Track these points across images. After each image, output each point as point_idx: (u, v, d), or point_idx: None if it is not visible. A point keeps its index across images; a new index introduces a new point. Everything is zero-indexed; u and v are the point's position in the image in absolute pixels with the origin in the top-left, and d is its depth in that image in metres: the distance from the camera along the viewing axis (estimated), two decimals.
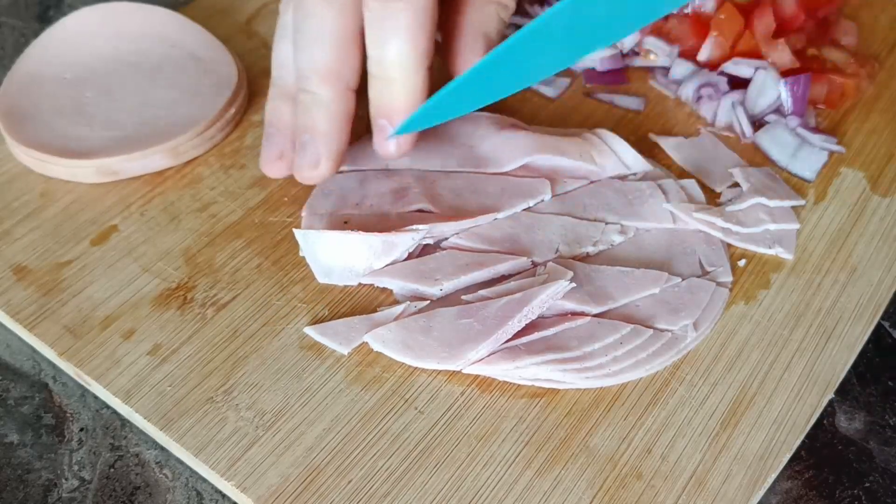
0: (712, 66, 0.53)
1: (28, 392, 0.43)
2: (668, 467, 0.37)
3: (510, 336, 0.40)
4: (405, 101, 0.42)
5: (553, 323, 0.40)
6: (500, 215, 0.45)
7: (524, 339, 0.40)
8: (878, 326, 0.44)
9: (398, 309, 0.42)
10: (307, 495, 0.36)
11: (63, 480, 0.40)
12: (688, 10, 0.54)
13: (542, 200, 0.46)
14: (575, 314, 0.41)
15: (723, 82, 0.52)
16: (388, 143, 0.44)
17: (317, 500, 0.36)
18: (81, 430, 0.41)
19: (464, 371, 0.40)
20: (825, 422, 0.41)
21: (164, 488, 0.39)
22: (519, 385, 0.40)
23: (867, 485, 0.39)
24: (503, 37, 0.46)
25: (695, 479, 0.37)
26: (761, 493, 0.37)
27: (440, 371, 0.40)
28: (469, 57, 0.47)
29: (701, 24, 0.53)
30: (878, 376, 0.43)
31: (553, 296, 0.40)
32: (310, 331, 0.42)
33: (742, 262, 0.45)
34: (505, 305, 0.40)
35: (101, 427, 0.41)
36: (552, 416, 0.39)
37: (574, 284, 0.40)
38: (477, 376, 0.40)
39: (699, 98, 0.52)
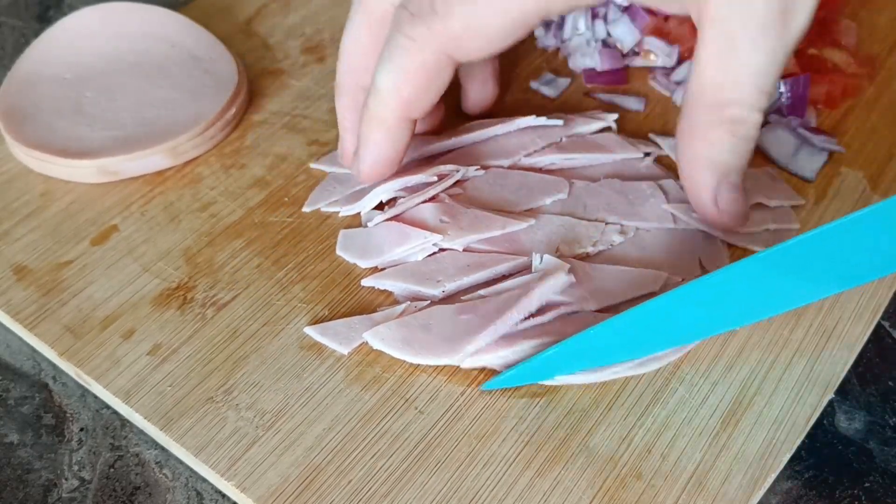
0: None
1: (28, 392, 0.43)
2: (669, 467, 0.37)
3: (508, 328, 0.40)
4: None
5: (550, 309, 0.41)
6: (520, 226, 0.45)
7: (522, 326, 0.40)
8: (878, 326, 0.44)
9: (398, 309, 0.42)
10: (307, 495, 0.36)
11: (63, 480, 0.40)
12: None
13: (558, 199, 0.46)
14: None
15: None
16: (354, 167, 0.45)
17: (317, 500, 0.36)
18: (81, 430, 0.41)
19: (463, 366, 0.40)
20: (825, 422, 0.41)
21: (164, 488, 0.39)
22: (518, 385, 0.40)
23: (867, 485, 0.39)
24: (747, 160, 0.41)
25: (695, 479, 0.37)
26: (761, 492, 0.37)
27: (440, 371, 0.40)
28: (701, 199, 0.41)
29: None
30: (878, 376, 0.43)
31: (552, 289, 0.40)
32: (310, 331, 0.42)
33: None
34: (504, 299, 0.40)
35: (101, 427, 0.41)
36: (552, 416, 0.39)
37: (573, 278, 0.40)
38: (477, 375, 0.40)
39: None
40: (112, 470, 0.40)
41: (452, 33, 0.40)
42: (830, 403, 0.41)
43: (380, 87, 0.42)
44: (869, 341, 0.43)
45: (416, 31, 0.40)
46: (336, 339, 0.41)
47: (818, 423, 0.41)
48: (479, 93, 0.50)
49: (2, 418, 0.42)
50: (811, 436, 0.40)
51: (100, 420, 0.41)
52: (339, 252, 0.45)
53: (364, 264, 0.44)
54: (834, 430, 0.41)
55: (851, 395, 0.42)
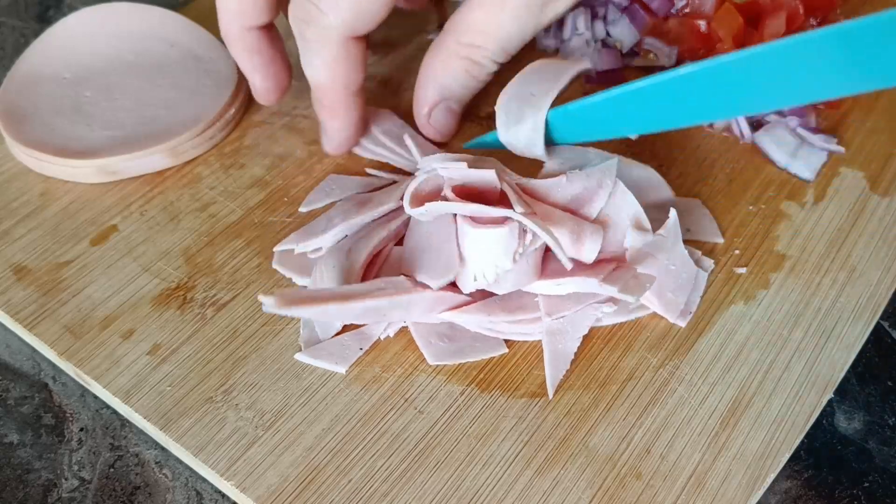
0: None
1: (28, 392, 0.43)
2: (668, 467, 0.37)
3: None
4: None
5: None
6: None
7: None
8: (878, 326, 0.44)
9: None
10: (307, 495, 0.36)
11: (63, 480, 0.40)
12: (687, 11, 0.54)
13: None
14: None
15: None
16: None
17: (316, 500, 0.36)
18: (81, 429, 0.41)
19: (440, 316, 0.41)
20: (824, 422, 0.41)
21: (164, 488, 0.39)
22: (518, 385, 0.40)
23: (866, 485, 0.39)
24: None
25: (694, 479, 0.37)
26: (761, 492, 0.37)
27: (440, 371, 0.40)
28: (418, 109, 0.48)
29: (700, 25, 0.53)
30: (878, 376, 0.43)
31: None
32: (302, 356, 0.41)
33: (742, 270, 0.45)
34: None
35: (100, 427, 0.41)
36: (552, 416, 0.39)
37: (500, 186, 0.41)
38: (476, 375, 0.40)
39: None
40: (112, 470, 0.40)
41: (347, 22, 0.43)
42: (830, 403, 0.41)
43: (317, 80, 0.46)
44: (868, 341, 0.43)
45: (316, 34, 0.44)
46: (331, 359, 0.41)
47: (817, 423, 0.41)
48: None
49: (2, 418, 0.42)
50: (810, 436, 0.40)
51: (100, 420, 0.41)
52: (275, 266, 0.45)
53: (300, 282, 0.44)
54: (833, 430, 0.41)
55: (851, 394, 0.42)
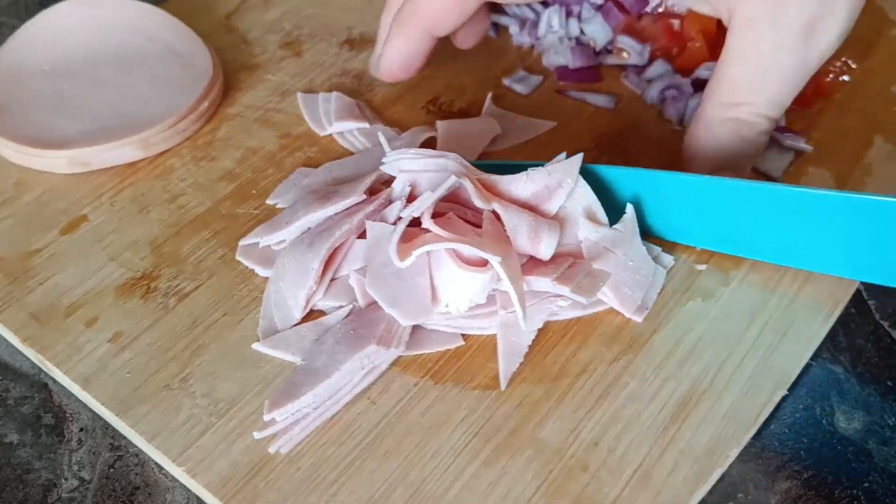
0: (688, 69, 0.53)
1: (28, 392, 0.43)
2: (615, 460, 0.38)
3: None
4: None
5: None
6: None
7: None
8: (878, 326, 0.44)
9: (345, 310, 0.42)
10: (256, 482, 0.37)
11: (63, 480, 0.40)
12: (661, 9, 0.54)
13: None
14: None
15: (686, 85, 0.52)
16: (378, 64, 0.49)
17: (266, 487, 0.37)
18: (81, 430, 0.41)
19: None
20: (824, 422, 0.41)
21: (164, 488, 0.39)
22: (472, 377, 0.40)
23: (866, 485, 0.39)
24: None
25: (641, 472, 0.37)
26: (707, 487, 0.37)
27: (395, 362, 0.41)
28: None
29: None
30: (878, 376, 0.43)
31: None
32: (259, 346, 0.41)
33: (702, 267, 0.45)
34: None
35: (100, 427, 0.41)
36: (503, 409, 0.39)
37: (461, 182, 0.41)
38: (431, 367, 0.41)
39: (664, 100, 0.52)
40: (112, 470, 0.40)
41: None
42: (830, 403, 0.41)
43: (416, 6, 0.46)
44: (868, 341, 0.43)
45: None
46: (288, 349, 0.41)
47: (817, 423, 0.40)
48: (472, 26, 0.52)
49: (2, 418, 0.42)
50: (810, 436, 0.40)
51: (100, 420, 0.41)
52: (238, 257, 0.45)
53: (263, 273, 0.44)
54: (833, 430, 0.41)
55: (851, 394, 0.42)
